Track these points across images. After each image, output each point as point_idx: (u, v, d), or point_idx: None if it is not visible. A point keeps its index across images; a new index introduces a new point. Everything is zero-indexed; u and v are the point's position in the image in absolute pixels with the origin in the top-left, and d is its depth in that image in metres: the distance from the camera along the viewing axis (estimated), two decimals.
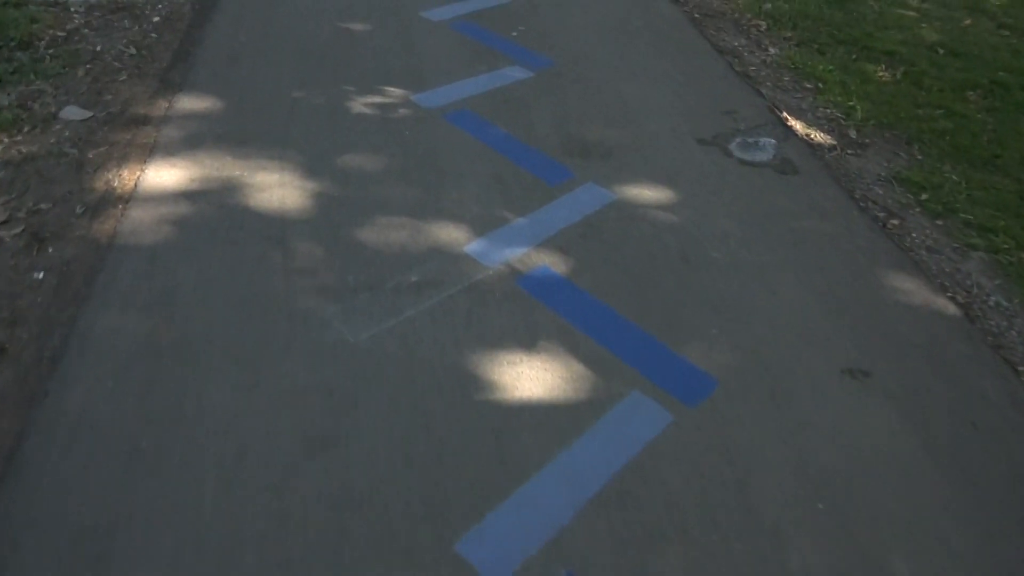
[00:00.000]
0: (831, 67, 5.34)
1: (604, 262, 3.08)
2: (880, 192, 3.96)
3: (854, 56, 5.61)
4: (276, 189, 3.29)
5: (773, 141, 4.14)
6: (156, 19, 4.81)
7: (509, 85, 4.30)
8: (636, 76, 4.59)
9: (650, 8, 5.63)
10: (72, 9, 4.89)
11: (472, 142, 3.74)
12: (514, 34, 4.92)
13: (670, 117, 4.20)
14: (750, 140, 4.11)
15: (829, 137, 4.41)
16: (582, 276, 3.00)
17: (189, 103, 3.83)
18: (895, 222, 3.74)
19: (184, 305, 2.68)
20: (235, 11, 4.79)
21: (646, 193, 3.53)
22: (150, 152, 3.45)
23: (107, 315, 2.61)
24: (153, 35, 4.57)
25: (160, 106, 3.80)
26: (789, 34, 5.84)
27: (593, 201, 3.43)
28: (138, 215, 3.07)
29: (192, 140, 3.55)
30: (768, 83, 4.99)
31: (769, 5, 6.30)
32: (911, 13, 6.75)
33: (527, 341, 2.68)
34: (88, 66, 4.20)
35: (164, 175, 3.31)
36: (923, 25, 6.43)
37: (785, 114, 4.53)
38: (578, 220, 3.30)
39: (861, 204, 3.78)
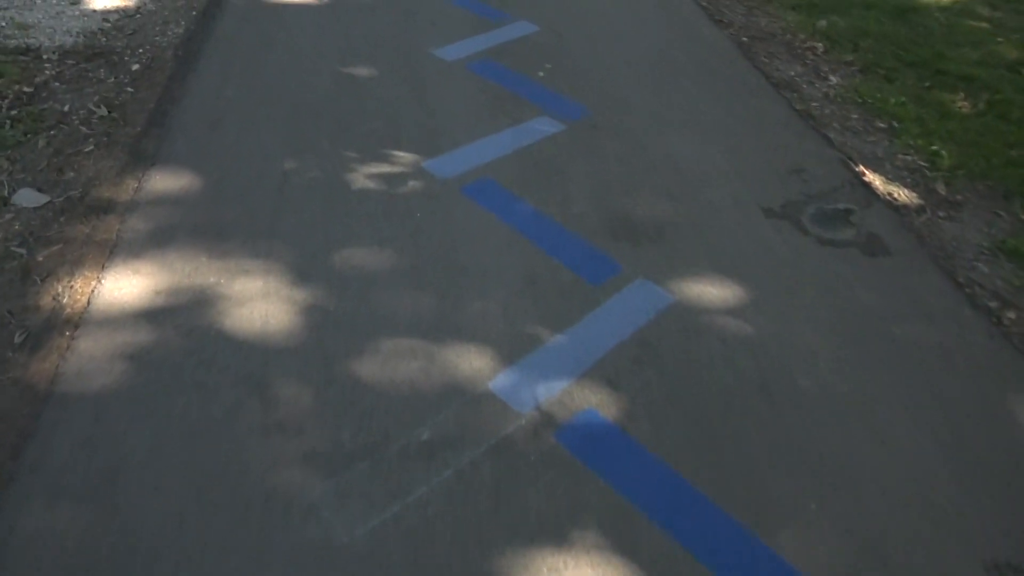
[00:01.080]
0: (903, 99, 4.61)
1: (665, 400, 2.41)
2: (986, 271, 3.26)
3: (927, 83, 4.86)
4: (259, 302, 2.65)
5: (854, 209, 3.42)
6: (135, 67, 4.18)
7: (538, 143, 3.62)
8: (685, 126, 3.89)
9: (692, 33, 4.90)
10: (44, 57, 4.27)
11: (496, 225, 3.07)
12: (540, 74, 4.23)
13: (729, 180, 3.50)
14: (827, 208, 3.40)
15: (915, 195, 3.69)
16: (638, 423, 2.34)
17: (162, 182, 3.20)
18: (1011, 315, 3.03)
19: (131, 491, 2.06)
20: (222, 57, 4.15)
21: (710, 292, 2.85)
22: (111, 252, 2.82)
23: (31, 510, 1.99)
24: (129, 89, 3.94)
25: (128, 187, 3.17)
26: (850, 57, 5.10)
27: (646, 306, 2.76)
28: (87, 347, 2.45)
29: (161, 234, 2.92)
30: (835, 124, 4.27)
31: (824, 22, 5.55)
32: (983, 25, 5.95)
33: (572, 532, 2.03)
34: (52, 132, 3.58)
35: (124, 286, 2.68)
36: (999, 40, 5.64)
37: (861, 167, 3.81)
38: (630, 336, 2.63)
39: (968, 291, 3.08)
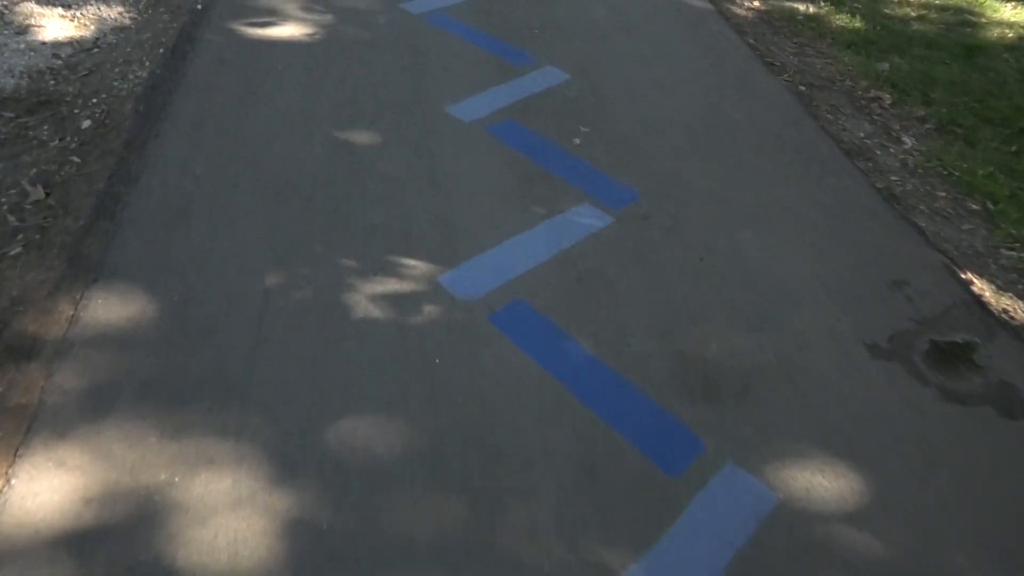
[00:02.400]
0: (990, 168, 3.91)
1: None
2: None
3: (1013, 147, 4.16)
4: (226, 517, 1.91)
5: (976, 343, 2.72)
6: (86, 124, 3.40)
7: (580, 245, 2.89)
8: (755, 215, 3.17)
9: (744, 81, 4.16)
10: None
11: (537, 376, 2.35)
12: (576, 141, 3.48)
13: (818, 297, 2.79)
14: (943, 343, 2.70)
15: None
16: None
17: (106, 308, 2.44)
18: None
19: None
20: (192, 116, 3.37)
21: (821, 485, 2.14)
22: (28, 429, 2.07)
23: None
24: (75, 159, 3.16)
25: (61, 315, 2.41)
26: (921, 112, 4.38)
27: (743, 512, 2.05)
28: None
29: (99, 397, 2.17)
30: (922, 207, 3.56)
31: (886, 65, 4.82)
32: None
33: None
34: None
35: (41, 491, 1.94)
36: None
37: (968, 275, 3.10)
38: (729, 559, 1.92)
39: None
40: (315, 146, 3.28)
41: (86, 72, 3.84)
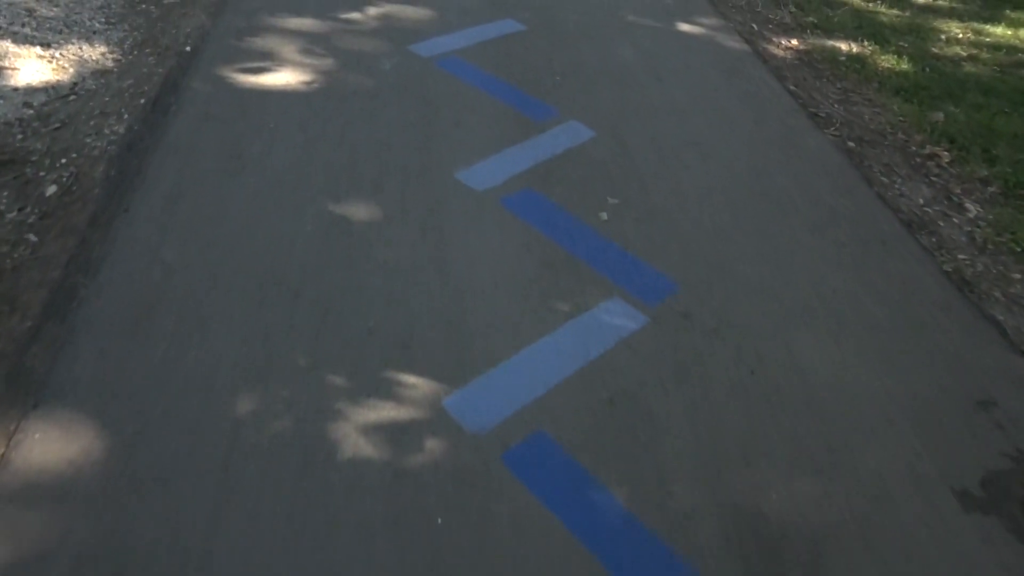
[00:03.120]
0: None
1: None
2: None
3: None
4: None
5: None
6: (51, 191, 2.98)
7: (611, 352, 2.43)
8: (812, 313, 2.71)
9: (789, 139, 3.70)
10: None
11: (563, 542, 1.91)
12: (603, 216, 3.03)
13: (894, 427, 2.33)
14: None
15: None
16: None
17: (42, 448, 2.01)
18: None
19: None
20: (169, 186, 2.94)
21: None
22: None
23: None
24: (32, 238, 2.74)
25: None
26: (983, 171, 3.90)
27: None
28: None
29: None
30: (997, 293, 3.09)
31: (940, 115, 4.34)
32: None
33: None
34: None
35: None
36: None
37: None
38: None
39: None
40: (306, 223, 2.84)
41: (58, 125, 3.42)
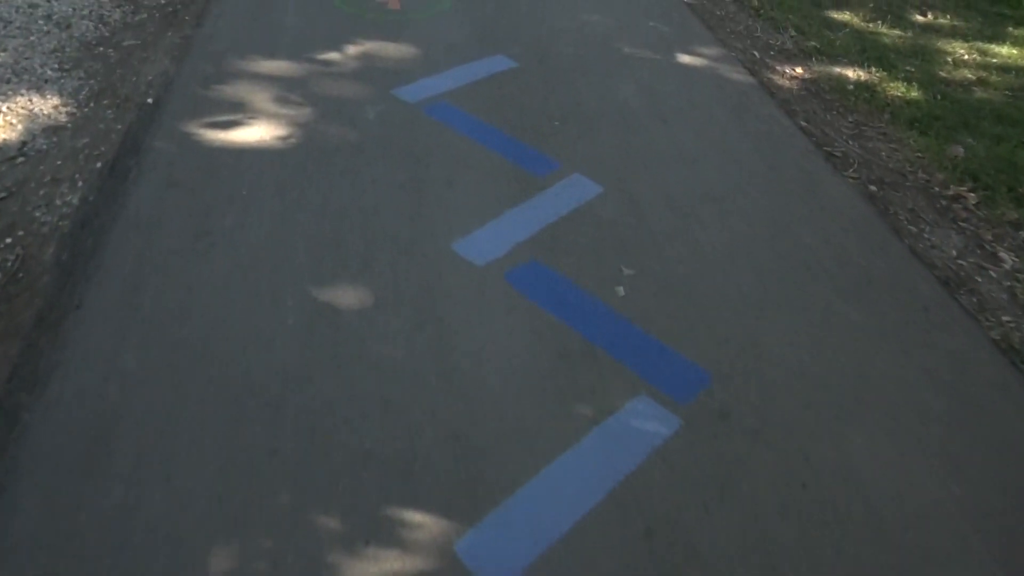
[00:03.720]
0: None
1: None
2: None
3: None
4: None
5: None
6: None
7: (643, 467, 2.10)
8: (860, 404, 2.41)
9: (810, 187, 3.41)
10: None
11: None
12: (620, 291, 2.70)
13: (971, 552, 2.04)
14: None
15: None
16: None
17: None
18: None
19: None
20: (128, 274, 2.58)
21: None
22: None
23: None
24: None
25: None
26: (1013, 213, 3.65)
27: None
28: None
29: None
30: None
31: (960, 150, 4.07)
32: None
33: None
34: None
35: None
36: None
37: None
38: None
39: None
40: (287, 315, 2.48)
41: (4, 194, 3.03)
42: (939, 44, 5.38)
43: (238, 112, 3.49)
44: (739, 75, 4.40)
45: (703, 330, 2.60)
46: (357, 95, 3.73)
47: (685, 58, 4.50)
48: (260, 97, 3.63)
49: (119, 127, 3.40)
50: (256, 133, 3.36)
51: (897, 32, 5.55)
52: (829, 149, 3.92)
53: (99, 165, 3.15)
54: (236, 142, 3.28)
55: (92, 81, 3.78)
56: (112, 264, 2.61)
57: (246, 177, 3.08)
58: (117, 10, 4.51)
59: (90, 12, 4.44)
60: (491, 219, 2.99)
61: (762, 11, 5.53)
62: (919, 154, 4.02)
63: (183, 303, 2.48)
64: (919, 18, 5.84)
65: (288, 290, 2.58)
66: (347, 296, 2.57)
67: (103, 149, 3.25)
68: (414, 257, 2.77)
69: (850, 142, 4.05)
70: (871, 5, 5.93)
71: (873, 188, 3.65)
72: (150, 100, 3.56)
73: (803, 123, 4.10)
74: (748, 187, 3.38)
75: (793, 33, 5.27)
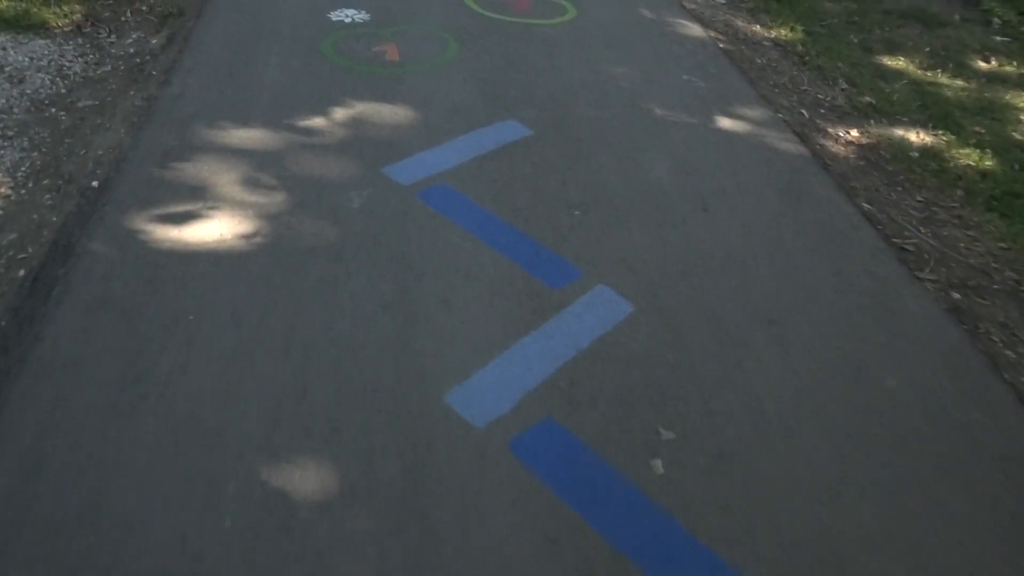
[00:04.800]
0: None
1: None
2: None
3: None
4: None
5: None
6: None
7: None
8: None
9: (886, 306, 2.81)
10: None
11: None
12: (657, 466, 2.10)
13: None
14: None
15: None
16: None
17: None
18: None
19: None
20: (30, 445, 2.02)
21: None
22: None
23: None
24: None
25: None
26: None
27: None
28: None
29: None
30: None
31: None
32: None
33: None
34: None
35: None
36: None
37: None
38: None
39: None
40: (225, 512, 1.88)
41: None
42: (1008, 98, 4.73)
43: (197, 199, 2.90)
44: (788, 143, 3.77)
45: (765, 531, 1.98)
46: (341, 174, 3.13)
47: (726, 122, 3.87)
48: (226, 178, 3.03)
49: (54, 219, 2.82)
50: (215, 229, 2.76)
51: (959, 83, 4.90)
52: (899, 241, 3.28)
53: (22, 274, 2.57)
54: (189, 243, 2.69)
55: (35, 154, 3.21)
56: (9, 432, 2.02)
57: (196, 294, 2.48)
58: (79, 60, 3.94)
59: (49, 63, 3.88)
60: (496, 355, 2.38)
61: (808, 58, 4.89)
62: (1003, 245, 3.38)
63: (93, 494, 1.89)
64: (982, 65, 5.19)
65: (231, 471, 1.97)
66: (307, 481, 1.97)
67: (30, 251, 2.67)
68: (396, 417, 2.16)
69: (922, 230, 3.42)
70: (927, 49, 5.28)
71: (956, 296, 3.02)
72: (95, 183, 2.98)
73: (866, 205, 3.47)
74: (811, 303, 2.76)
75: (844, 86, 4.64)
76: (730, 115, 3.94)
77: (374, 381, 2.26)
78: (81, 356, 2.25)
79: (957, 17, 5.83)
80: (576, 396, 2.28)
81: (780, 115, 4.07)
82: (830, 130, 4.12)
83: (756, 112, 4.01)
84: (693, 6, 5.37)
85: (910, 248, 3.26)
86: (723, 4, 5.60)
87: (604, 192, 3.21)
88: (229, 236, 2.74)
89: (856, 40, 5.32)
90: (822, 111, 4.32)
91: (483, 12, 4.75)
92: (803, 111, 4.26)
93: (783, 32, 5.22)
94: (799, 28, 5.25)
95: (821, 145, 3.92)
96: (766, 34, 5.20)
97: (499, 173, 3.24)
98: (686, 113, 3.89)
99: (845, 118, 4.29)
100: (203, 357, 2.28)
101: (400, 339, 2.41)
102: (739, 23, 5.29)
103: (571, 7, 4.99)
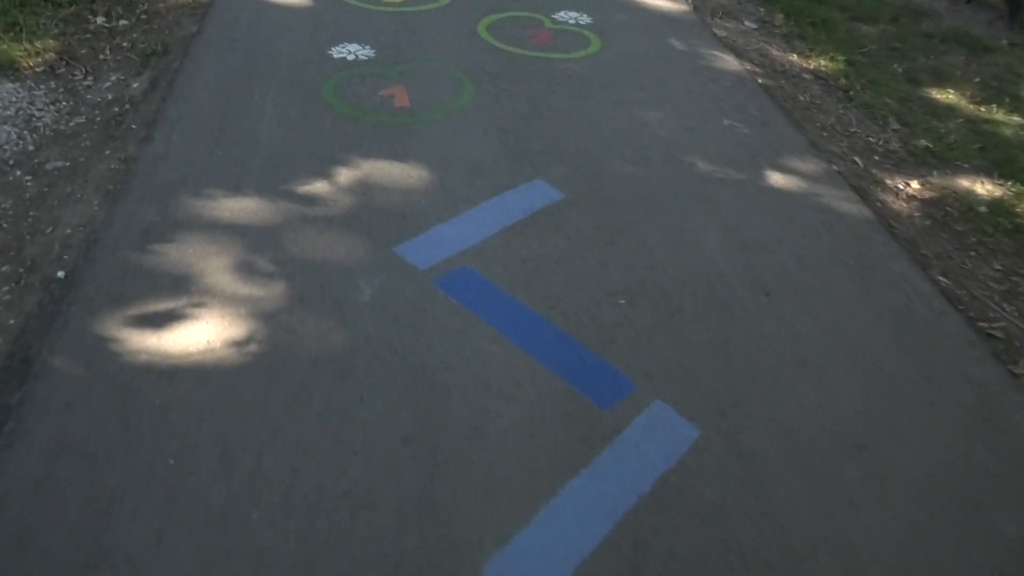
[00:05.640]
0: None
1: None
2: None
3: None
4: None
5: None
6: None
7: None
8: None
9: (993, 421, 2.40)
10: None
11: None
12: None
13: None
14: None
15: None
16: None
17: None
18: None
19: None
20: None
21: None
22: None
23: None
24: None
25: None
26: None
27: None
28: None
29: None
30: None
31: None
32: None
33: None
34: None
35: None
36: None
37: None
38: None
39: None
40: None
41: None
42: None
43: (181, 293, 2.46)
44: (848, 202, 3.34)
45: None
46: (348, 256, 2.69)
47: (776, 177, 3.43)
48: (215, 264, 2.59)
49: (12, 322, 2.37)
50: (202, 335, 2.32)
51: (1017, 119, 4.47)
52: (985, 325, 2.86)
53: None
54: (170, 355, 2.24)
55: None
56: None
57: (177, 429, 2.04)
58: (51, 109, 3.48)
59: (17, 112, 3.42)
60: (541, 506, 1.95)
61: (852, 93, 4.46)
62: None
63: None
64: None
65: None
66: None
67: None
68: None
69: (1006, 307, 2.99)
70: (976, 80, 4.85)
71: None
72: (62, 273, 2.54)
73: (942, 280, 3.04)
74: (902, 420, 2.33)
75: (895, 125, 4.20)
76: (780, 168, 3.51)
77: (395, 550, 1.83)
78: (34, 527, 1.81)
79: (1004, 42, 5.40)
80: (642, 566, 1.85)
81: (834, 166, 3.63)
82: (888, 181, 3.69)
83: (808, 164, 3.58)
84: (724, 33, 4.93)
85: (998, 334, 2.84)
86: (754, 29, 5.16)
87: (651, 274, 2.77)
88: (218, 344, 2.30)
89: (900, 70, 4.89)
90: (876, 158, 3.89)
91: (499, 46, 4.30)
92: (856, 159, 3.83)
93: (822, 62, 4.78)
94: (839, 57, 4.81)
95: (882, 202, 3.49)
96: (805, 64, 4.76)
97: (529, 250, 2.81)
98: (732, 167, 3.45)
99: (902, 166, 3.86)
100: (185, 521, 1.84)
101: (424, 488, 1.97)
102: (774, 52, 4.85)
103: (594, 38, 4.54)
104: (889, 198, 3.55)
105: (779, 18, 5.30)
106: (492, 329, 2.46)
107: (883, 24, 5.53)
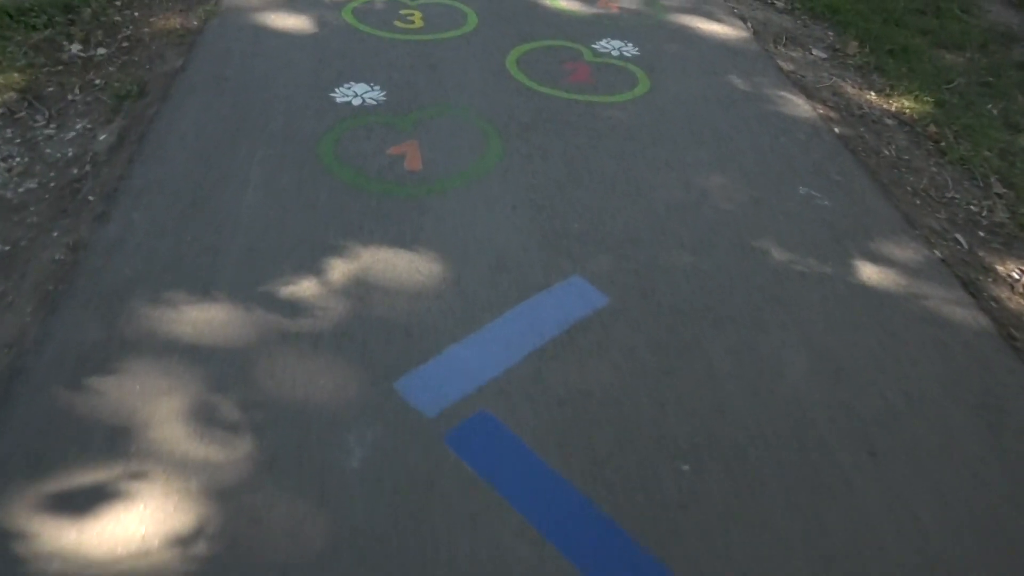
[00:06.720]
0: None
1: None
2: None
3: None
4: None
5: None
6: None
7: None
8: None
9: None
10: None
11: None
12: None
13: None
14: None
15: None
16: None
17: None
18: None
19: None
20: None
21: None
22: None
23: None
24: None
25: None
26: None
27: None
28: None
29: None
30: None
31: None
32: None
33: None
34: None
35: None
36: None
37: None
38: None
39: None
40: None
41: None
42: None
43: (117, 459, 1.88)
44: (958, 305, 2.68)
45: None
46: (335, 396, 2.10)
47: (868, 271, 2.78)
48: (164, 410, 2.01)
49: None
50: (136, 529, 1.74)
51: None
52: None
53: None
54: (92, 563, 1.68)
55: None
56: None
57: None
58: (1, 167, 2.91)
59: None
60: None
61: (944, 144, 3.76)
62: None
63: None
64: None
65: None
66: None
67: None
68: None
69: None
70: None
71: None
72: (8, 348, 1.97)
73: None
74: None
75: (1000, 188, 3.52)
76: (872, 256, 2.85)
77: None
78: None
79: None
80: None
81: (936, 252, 2.97)
82: (999, 267, 3.02)
83: (905, 249, 2.91)
84: (790, 66, 4.24)
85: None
86: (824, 59, 4.46)
87: (722, 422, 2.15)
88: (156, 542, 1.73)
89: (996, 112, 4.17)
90: (982, 234, 3.21)
91: (531, 85, 3.66)
92: (958, 236, 3.16)
93: (906, 103, 4.08)
94: (925, 97, 4.10)
95: (996, 300, 2.83)
96: (886, 106, 4.06)
97: (566, 386, 2.19)
98: (814, 256, 2.80)
99: (1012, 245, 3.18)
100: None
101: None
102: (849, 89, 4.16)
103: (642, 75, 3.88)
104: (1003, 293, 2.88)
105: (852, 46, 4.59)
106: (519, 516, 1.86)
107: (970, 52, 4.79)
